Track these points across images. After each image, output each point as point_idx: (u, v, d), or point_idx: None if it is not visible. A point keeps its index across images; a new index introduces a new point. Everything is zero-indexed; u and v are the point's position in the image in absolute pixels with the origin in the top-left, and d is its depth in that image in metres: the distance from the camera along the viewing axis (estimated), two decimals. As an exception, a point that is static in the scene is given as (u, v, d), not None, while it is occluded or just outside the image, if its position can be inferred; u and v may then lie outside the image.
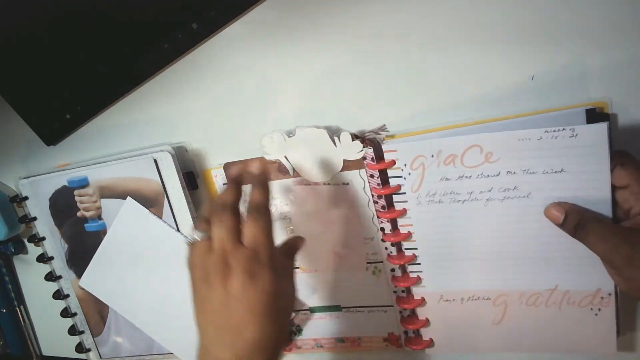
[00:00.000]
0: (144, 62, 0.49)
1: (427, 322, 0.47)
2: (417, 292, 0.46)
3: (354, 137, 0.42)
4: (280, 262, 0.37)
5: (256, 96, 0.47)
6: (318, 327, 0.52)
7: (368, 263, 0.47)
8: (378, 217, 0.45)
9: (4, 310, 0.63)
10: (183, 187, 0.49)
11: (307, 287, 0.50)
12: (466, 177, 0.40)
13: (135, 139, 0.52)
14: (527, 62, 0.39)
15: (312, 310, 0.51)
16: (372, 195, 0.44)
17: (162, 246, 0.51)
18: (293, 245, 0.42)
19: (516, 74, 0.39)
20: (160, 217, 0.50)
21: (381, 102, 0.43)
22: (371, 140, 0.42)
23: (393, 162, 0.42)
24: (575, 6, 0.37)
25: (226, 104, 0.48)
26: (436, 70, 0.41)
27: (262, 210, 0.37)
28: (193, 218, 0.50)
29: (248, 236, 0.35)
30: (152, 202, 0.50)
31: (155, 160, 0.49)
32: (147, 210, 0.51)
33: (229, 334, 0.34)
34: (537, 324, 0.43)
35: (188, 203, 0.49)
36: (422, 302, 0.46)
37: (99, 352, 0.59)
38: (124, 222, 0.52)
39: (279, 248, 0.39)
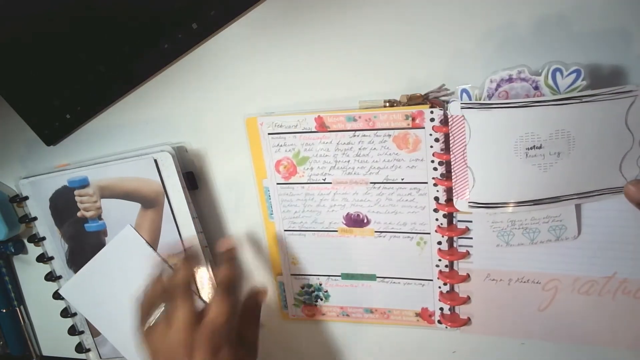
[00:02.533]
0: (144, 62, 0.49)
1: (467, 300, 0.45)
2: (463, 267, 0.44)
3: (420, 97, 0.40)
4: (243, 332, 0.41)
5: (257, 96, 0.47)
6: (347, 295, 0.50)
7: (414, 233, 0.45)
8: (435, 184, 0.43)
9: (4, 310, 0.62)
10: (183, 187, 0.49)
11: (342, 252, 0.48)
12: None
13: (135, 139, 0.52)
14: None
15: (344, 276, 0.49)
16: (432, 161, 0.42)
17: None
18: (254, 305, 0.45)
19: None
20: (160, 217, 0.50)
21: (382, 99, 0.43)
22: (437, 101, 0.39)
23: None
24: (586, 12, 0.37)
25: (226, 104, 0.48)
26: (441, 64, 0.41)
27: (229, 288, 0.41)
28: (193, 218, 0.50)
29: (213, 312, 0.38)
30: (152, 202, 0.50)
31: (155, 161, 0.49)
32: (144, 241, 0.51)
33: None
34: (586, 314, 0.41)
35: (188, 203, 0.49)
36: (467, 278, 0.44)
37: (98, 352, 0.59)
38: (119, 245, 0.52)
39: (240, 315, 0.43)
